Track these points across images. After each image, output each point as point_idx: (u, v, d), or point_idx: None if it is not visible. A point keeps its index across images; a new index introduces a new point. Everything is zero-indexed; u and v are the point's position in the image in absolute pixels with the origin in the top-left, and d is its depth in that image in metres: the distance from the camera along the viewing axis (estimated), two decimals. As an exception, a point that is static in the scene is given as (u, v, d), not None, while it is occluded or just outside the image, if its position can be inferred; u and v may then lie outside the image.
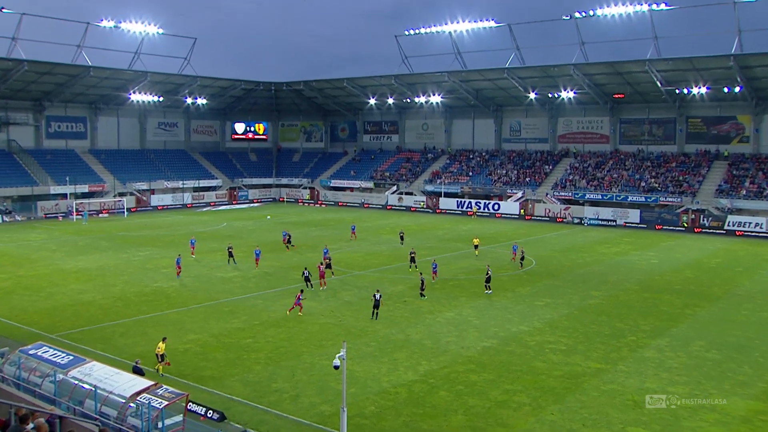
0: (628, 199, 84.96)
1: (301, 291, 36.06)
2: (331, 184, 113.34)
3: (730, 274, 49.43)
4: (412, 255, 48.06)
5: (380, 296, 34.64)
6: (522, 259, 49.59)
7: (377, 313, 34.21)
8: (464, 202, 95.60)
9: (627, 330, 33.14)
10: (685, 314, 36.68)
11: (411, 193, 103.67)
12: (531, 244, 64.17)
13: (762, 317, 36.18)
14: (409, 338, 31.14)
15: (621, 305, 38.52)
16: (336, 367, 18.84)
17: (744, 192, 79.66)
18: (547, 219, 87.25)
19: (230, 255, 49.64)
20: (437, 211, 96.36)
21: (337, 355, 18.95)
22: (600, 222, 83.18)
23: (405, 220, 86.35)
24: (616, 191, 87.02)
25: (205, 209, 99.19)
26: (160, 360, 26.00)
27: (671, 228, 78.15)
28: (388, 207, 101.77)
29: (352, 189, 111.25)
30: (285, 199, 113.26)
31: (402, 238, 58.24)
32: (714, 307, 38.64)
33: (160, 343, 26.71)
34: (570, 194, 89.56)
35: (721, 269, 51.42)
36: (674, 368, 27.30)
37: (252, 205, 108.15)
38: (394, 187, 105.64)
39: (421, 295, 38.28)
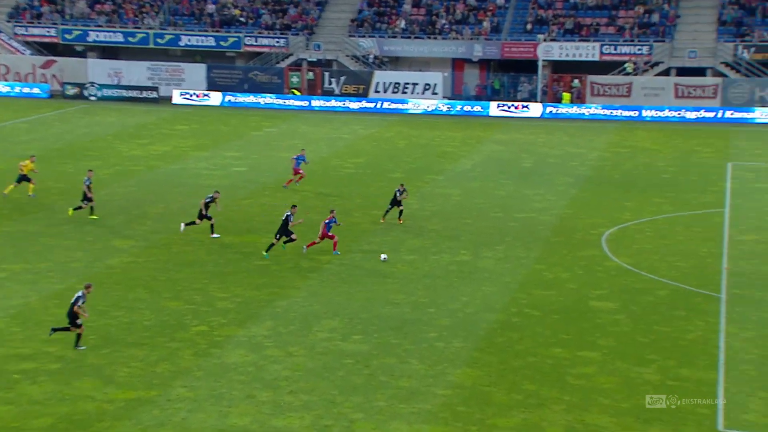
0: (180, 43, 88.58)
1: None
2: None
3: (385, 183, 53.38)
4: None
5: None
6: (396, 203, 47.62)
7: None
8: None
9: (186, 315, 34.78)
10: (302, 271, 39.67)
11: None
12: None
13: (460, 261, 40.96)
14: None
15: (154, 265, 40.81)
16: None
17: (404, 23, 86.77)
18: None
19: None
20: None
21: None
22: (117, 94, 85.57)
23: None
24: (143, 27, 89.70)
25: None
26: None
27: (272, 101, 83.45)
28: None
29: None
30: None
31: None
32: (355, 249, 42.36)
33: None
34: (53, 32, 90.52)
35: (367, 177, 56.06)
36: (283, 380, 29.11)
37: None
38: None
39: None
